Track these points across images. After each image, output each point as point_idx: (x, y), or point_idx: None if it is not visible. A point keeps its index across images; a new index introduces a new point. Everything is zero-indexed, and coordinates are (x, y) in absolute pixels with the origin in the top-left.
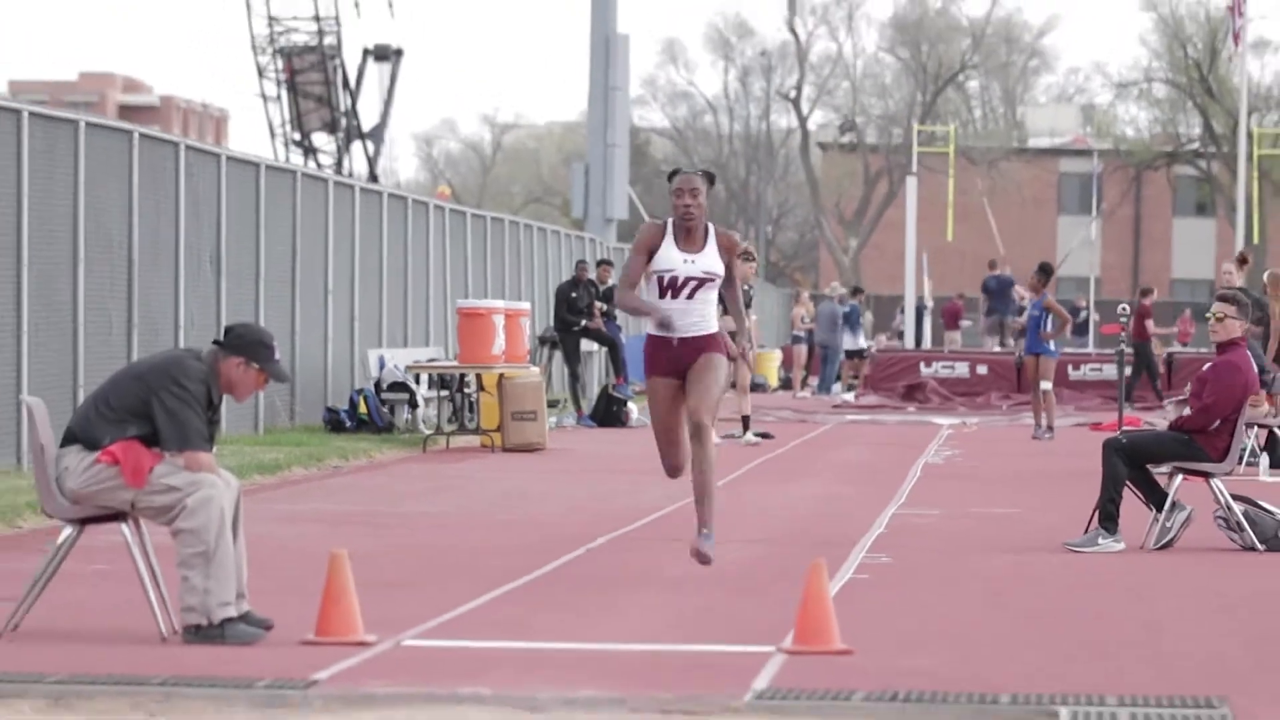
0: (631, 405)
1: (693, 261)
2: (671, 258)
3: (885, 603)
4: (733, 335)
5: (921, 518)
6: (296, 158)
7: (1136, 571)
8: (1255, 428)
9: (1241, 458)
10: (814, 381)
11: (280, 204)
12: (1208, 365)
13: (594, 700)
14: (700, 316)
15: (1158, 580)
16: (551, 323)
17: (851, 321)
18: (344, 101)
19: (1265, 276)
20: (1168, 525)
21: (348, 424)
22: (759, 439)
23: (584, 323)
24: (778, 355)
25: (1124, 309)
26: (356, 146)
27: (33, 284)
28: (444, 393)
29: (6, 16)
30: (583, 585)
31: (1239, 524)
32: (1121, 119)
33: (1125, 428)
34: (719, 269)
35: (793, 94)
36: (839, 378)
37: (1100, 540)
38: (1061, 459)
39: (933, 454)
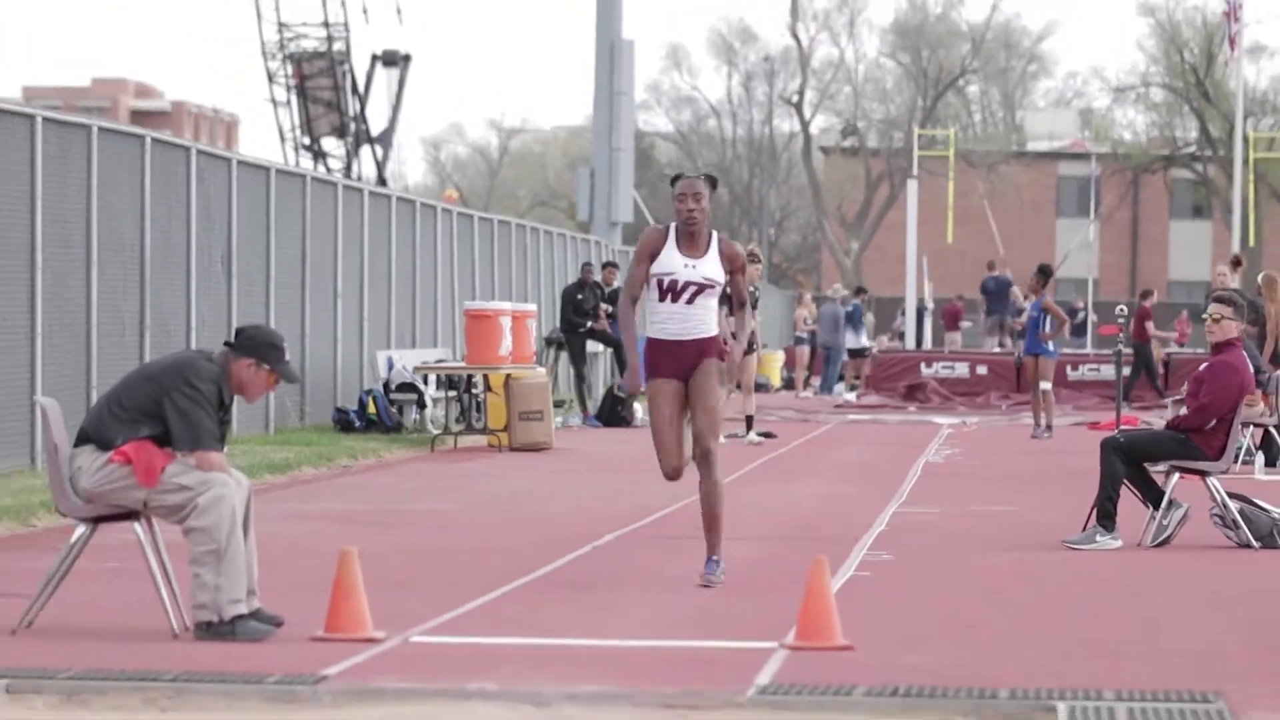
0: (636, 405)
1: (693, 266)
2: (673, 261)
3: (886, 599)
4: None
5: (922, 516)
6: (306, 162)
7: (1134, 568)
8: (1251, 427)
9: (1237, 457)
10: (816, 382)
11: (290, 207)
12: (1204, 365)
13: (599, 695)
14: (700, 321)
15: (1155, 577)
16: (558, 324)
17: (854, 321)
18: (353, 106)
19: (1260, 278)
20: (1165, 523)
21: (357, 424)
22: (762, 438)
23: (589, 324)
24: (780, 356)
25: (1121, 310)
26: (365, 151)
27: (46, 286)
28: (452, 393)
29: (20, 24)
30: (588, 583)
31: (1235, 522)
32: (1119, 123)
33: (1123, 427)
34: (720, 276)
35: (795, 98)
36: (842, 377)
37: (1098, 538)
38: (1060, 458)
39: (933, 453)
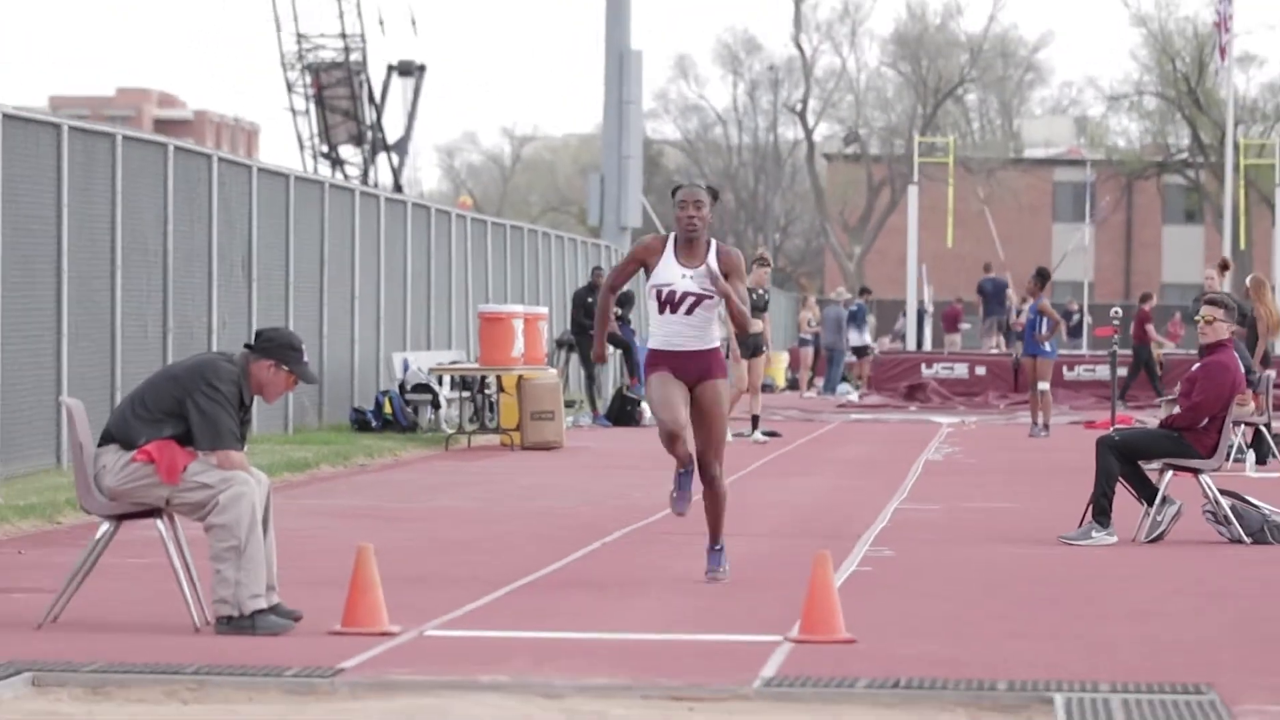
0: (644, 405)
1: (691, 277)
2: (670, 272)
3: (888, 594)
4: (738, 338)
5: (923, 512)
6: (324, 169)
7: (1128, 563)
8: (1242, 425)
9: (1229, 454)
10: (820, 382)
11: (309, 213)
12: (1197, 365)
13: (608, 687)
14: (699, 330)
15: (1148, 572)
16: (568, 326)
17: (858, 320)
18: (370, 115)
19: (1248, 280)
20: (1158, 519)
21: (373, 424)
22: (767, 437)
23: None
24: (785, 357)
25: (1116, 312)
26: (382, 158)
27: (72, 290)
28: (465, 393)
29: (47, 35)
30: (598, 578)
31: (1226, 518)
32: (1113, 130)
33: (1118, 426)
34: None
35: (799, 107)
36: (845, 377)
37: (1094, 533)
38: (1056, 456)
39: (933, 451)
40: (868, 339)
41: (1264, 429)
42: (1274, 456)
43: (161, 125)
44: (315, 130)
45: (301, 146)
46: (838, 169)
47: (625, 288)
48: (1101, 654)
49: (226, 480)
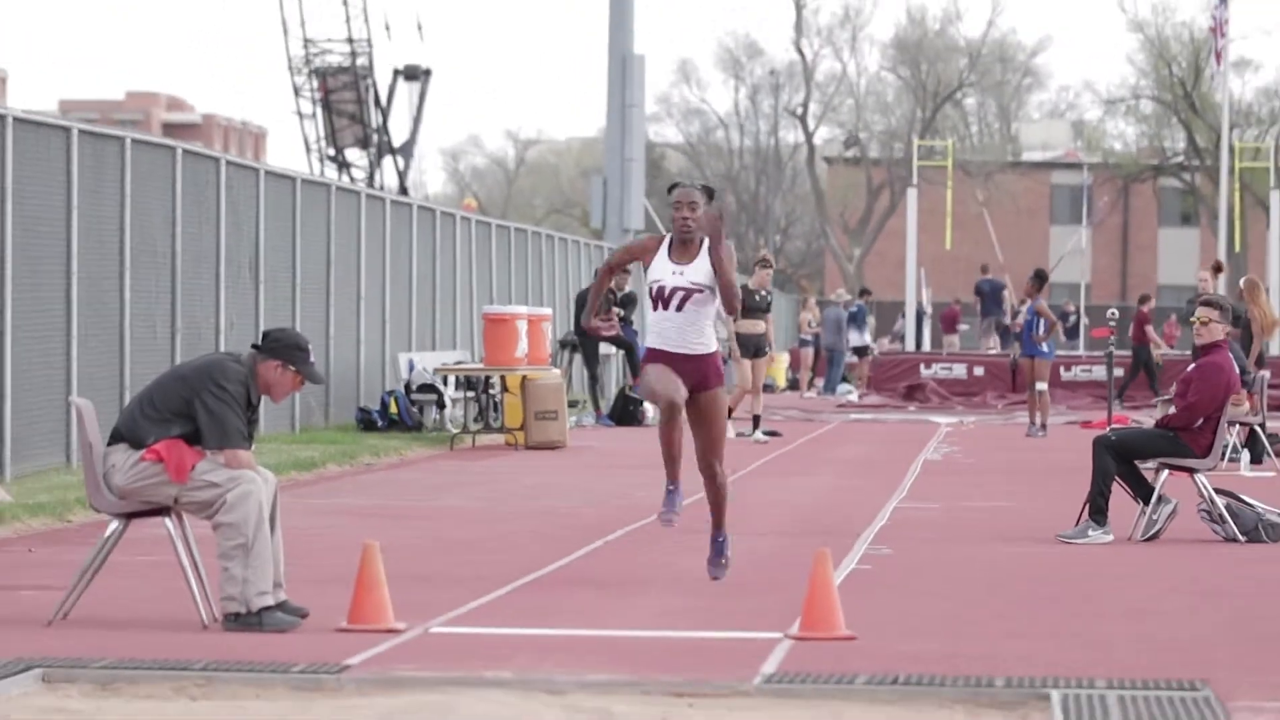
0: (647, 405)
1: (681, 273)
2: (662, 269)
3: (887, 591)
4: (739, 337)
5: (921, 511)
6: (331, 172)
7: (1124, 561)
8: (1237, 425)
9: (1224, 454)
10: (820, 382)
11: (315, 215)
12: (1192, 366)
13: (610, 683)
14: (693, 329)
15: (1144, 570)
16: (572, 327)
17: (859, 321)
18: (376, 119)
19: (1241, 282)
20: (1154, 518)
21: (379, 423)
22: (768, 437)
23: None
24: (785, 358)
25: (1113, 313)
26: (387, 161)
27: (82, 290)
28: (470, 393)
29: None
30: (600, 576)
31: (1221, 516)
32: (1110, 134)
33: (1114, 426)
34: (708, 280)
35: (800, 111)
36: (845, 378)
37: (1090, 532)
38: (1053, 455)
39: (932, 451)
40: (868, 340)
41: (1258, 429)
42: (1268, 456)
43: (170, 129)
44: (322, 134)
45: (308, 150)
46: (838, 172)
47: (628, 289)
48: (1098, 651)
49: (234, 479)
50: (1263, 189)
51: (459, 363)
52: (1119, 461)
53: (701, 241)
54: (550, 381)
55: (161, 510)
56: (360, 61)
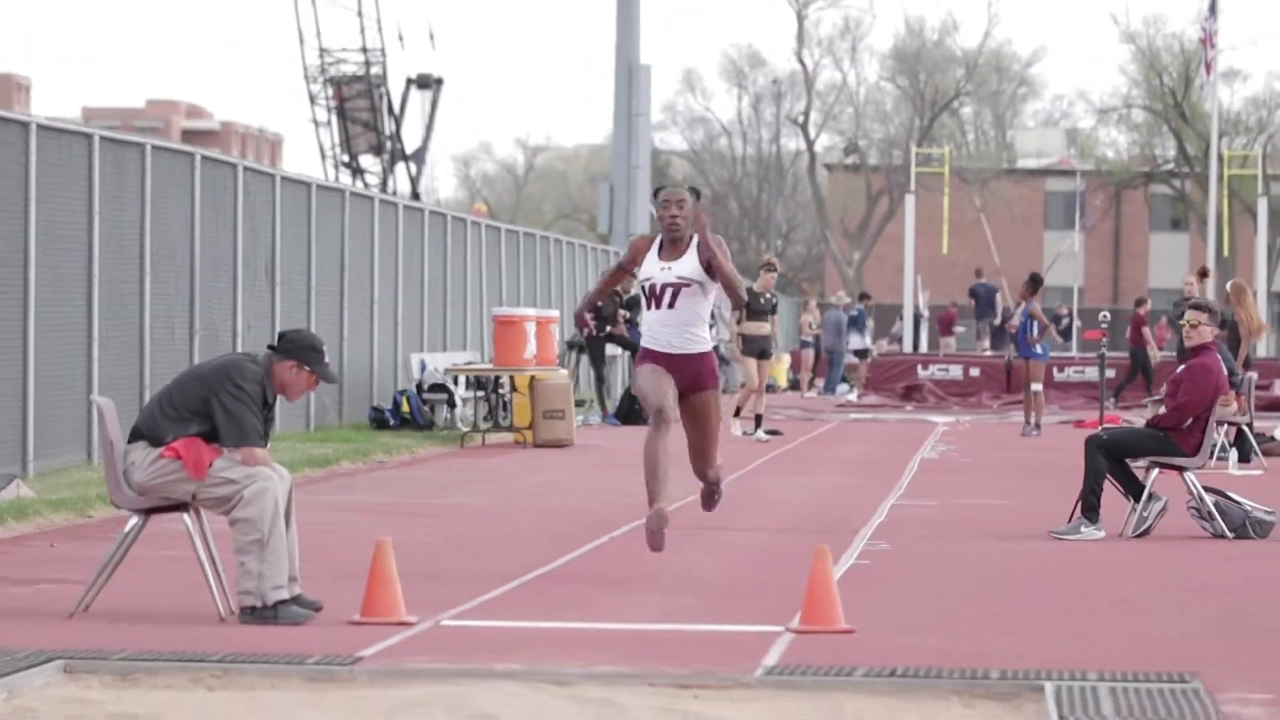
0: None
1: (669, 269)
2: (651, 268)
3: (885, 586)
4: (745, 339)
5: (919, 508)
6: (345, 178)
7: (1116, 557)
8: (1225, 425)
9: (1212, 453)
10: (820, 383)
11: (330, 220)
12: (1182, 368)
13: (616, 675)
14: (686, 326)
15: (1135, 565)
16: (577, 331)
17: (859, 324)
18: (389, 126)
19: (1228, 286)
20: (1145, 515)
21: (391, 422)
22: (769, 436)
23: (608, 329)
24: (787, 359)
25: (1105, 316)
26: (400, 167)
27: (103, 293)
28: (480, 393)
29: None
30: (606, 571)
31: (1210, 514)
32: (1103, 142)
33: (1106, 425)
34: (696, 274)
35: (801, 119)
36: (844, 378)
37: (1083, 528)
38: (1047, 454)
39: (929, 449)
40: (868, 342)
41: (1246, 428)
42: (1255, 455)
43: (189, 136)
44: (336, 141)
45: (323, 156)
46: (838, 179)
47: (634, 291)
48: (1090, 644)
49: (250, 476)
50: (1250, 196)
51: (469, 363)
52: (1111, 460)
53: (690, 239)
54: (558, 381)
55: (180, 506)
56: (374, 70)
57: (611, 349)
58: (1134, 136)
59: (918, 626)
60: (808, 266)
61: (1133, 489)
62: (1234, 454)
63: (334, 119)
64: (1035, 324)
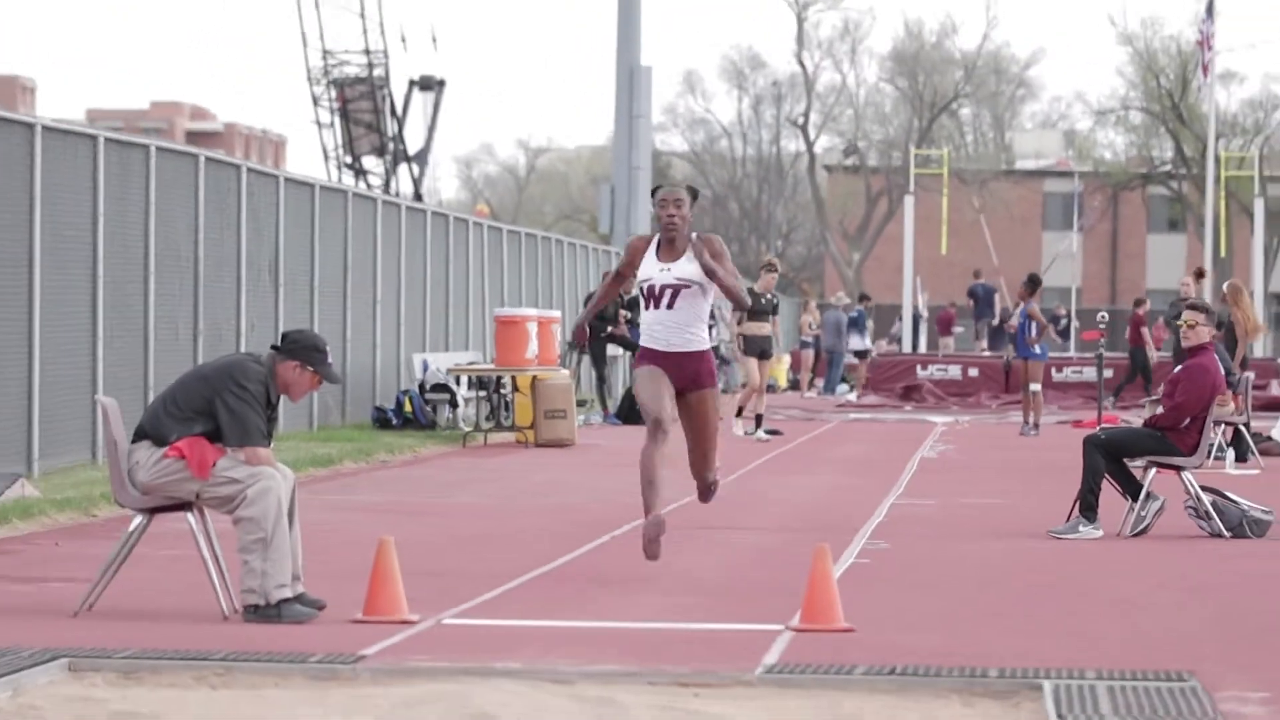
0: None
1: (668, 269)
2: (650, 269)
3: (885, 585)
4: (746, 339)
5: (918, 507)
6: (348, 179)
7: (1114, 557)
8: (1222, 425)
9: (1210, 452)
10: (820, 383)
11: (333, 221)
12: (1179, 368)
13: (616, 674)
14: (685, 327)
15: (1133, 564)
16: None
17: (859, 325)
18: (391, 128)
19: (1225, 286)
20: (1142, 514)
21: (394, 422)
22: (769, 435)
23: (610, 329)
24: (787, 359)
25: (1103, 316)
26: (403, 169)
27: (108, 294)
28: (482, 393)
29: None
30: (607, 570)
31: (1207, 513)
32: (1100, 143)
33: (1104, 425)
34: (695, 275)
35: (801, 120)
36: (844, 378)
37: (1081, 528)
38: (1045, 453)
39: (928, 449)
40: (868, 344)
41: (1243, 428)
42: (1252, 454)
43: (193, 137)
44: (340, 142)
45: (326, 157)
46: (837, 180)
47: (635, 292)
48: (1088, 643)
49: (254, 475)
50: (1247, 197)
51: (471, 363)
52: (1109, 460)
53: (688, 238)
54: (559, 381)
55: (184, 505)
56: (377, 72)
57: (613, 349)
58: (1131, 138)
59: (917, 625)
60: (807, 267)
61: (1131, 488)
62: (1231, 454)
63: (337, 120)
64: (1034, 324)
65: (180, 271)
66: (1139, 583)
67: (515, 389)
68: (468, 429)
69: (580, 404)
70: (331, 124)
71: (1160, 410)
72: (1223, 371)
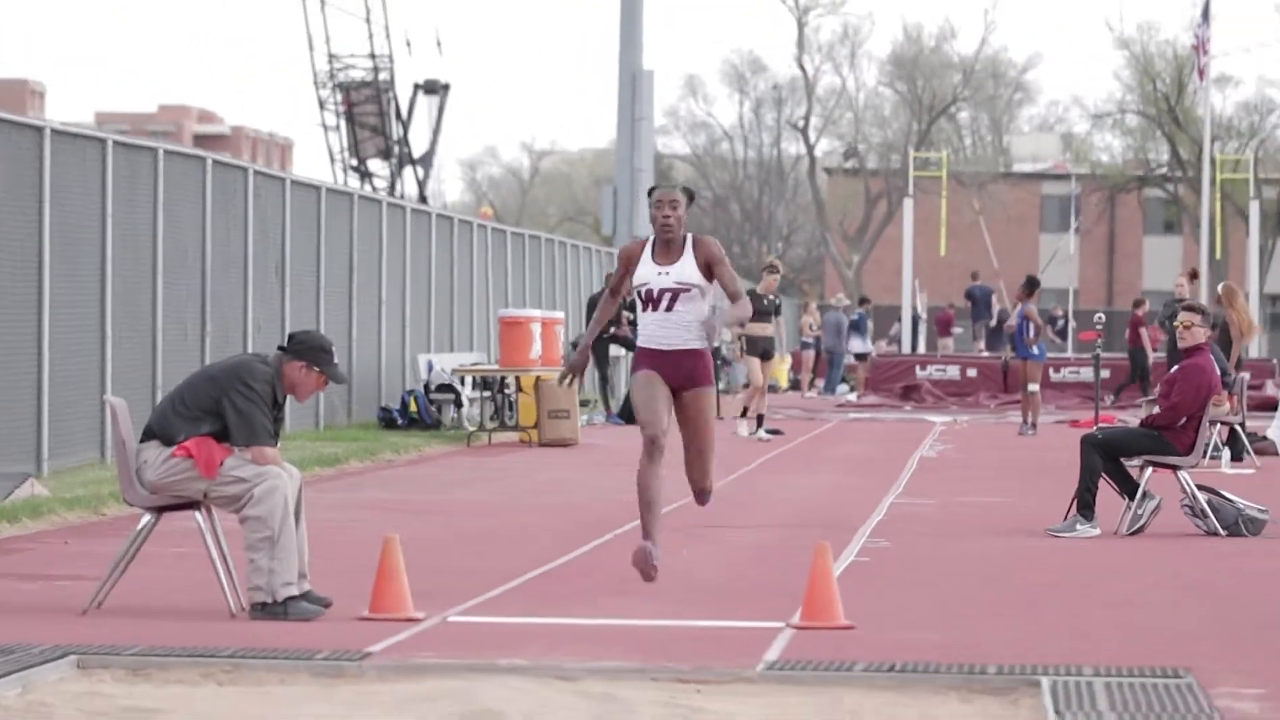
0: None
1: (666, 273)
2: (647, 272)
3: (884, 583)
4: (748, 339)
5: (917, 506)
6: (354, 181)
7: (1111, 555)
8: (1218, 425)
9: (1206, 452)
10: (820, 383)
11: (339, 223)
12: (1176, 368)
13: (619, 670)
14: (684, 329)
15: (1130, 562)
16: (583, 330)
17: (860, 328)
18: (396, 131)
19: (1219, 288)
20: (1139, 513)
21: (399, 421)
22: (770, 435)
23: (612, 330)
24: (788, 359)
25: (1100, 318)
26: (408, 171)
27: (116, 295)
28: (486, 393)
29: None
30: (609, 568)
31: (1203, 512)
32: (1097, 146)
33: (1101, 425)
34: (694, 279)
35: (801, 124)
36: (844, 379)
37: (1078, 526)
38: (1043, 452)
39: (927, 448)
40: (869, 346)
41: (1238, 428)
42: (1248, 454)
43: (201, 140)
44: (345, 145)
45: (332, 160)
46: (837, 182)
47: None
48: (1085, 640)
49: (261, 474)
50: (1242, 199)
51: (475, 364)
52: (1106, 459)
53: (684, 240)
54: None
55: (191, 504)
56: (382, 76)
57: (615, 350)
58: (1128, 141)
59: (917, 622)
60: (808, 269)
61: (1127, 487)
62: (1227, 453)
63: (343, 124)
64: (1031, 325)
65: (188, 273)
66: (1136, 581)
67: (519, 389)
68: (472, 429)
69: (583, 404)
70: (337, 127)
71: (1157, 410)
72: (1218, 372)
